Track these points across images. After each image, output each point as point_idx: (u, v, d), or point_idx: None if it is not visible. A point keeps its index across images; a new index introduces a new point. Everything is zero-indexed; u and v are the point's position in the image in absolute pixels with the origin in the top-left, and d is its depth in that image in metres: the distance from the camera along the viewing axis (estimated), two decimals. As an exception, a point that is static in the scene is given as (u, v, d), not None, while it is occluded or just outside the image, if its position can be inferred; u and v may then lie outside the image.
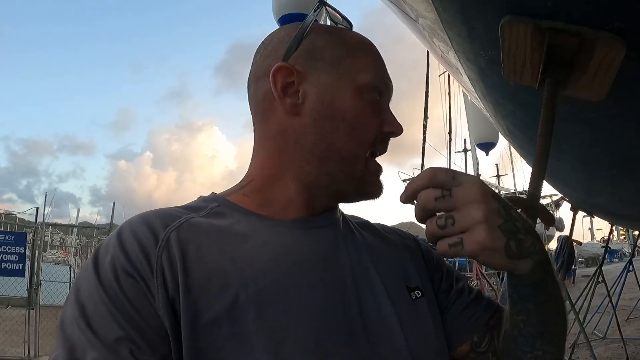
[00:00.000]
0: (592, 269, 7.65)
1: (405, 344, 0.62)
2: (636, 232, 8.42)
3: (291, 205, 0.67)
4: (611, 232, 6.71)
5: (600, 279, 6.14)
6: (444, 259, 0.80)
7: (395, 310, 0.64)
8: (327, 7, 0.75)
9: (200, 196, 0.70)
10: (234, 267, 0.58)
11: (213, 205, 0.66)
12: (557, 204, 22.30)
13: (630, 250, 11.01)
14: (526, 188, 1.23)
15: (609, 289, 6.50)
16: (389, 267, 0.69)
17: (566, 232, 4.95)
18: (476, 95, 2.14)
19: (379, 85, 0.69)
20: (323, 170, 0.66)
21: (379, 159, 0.71)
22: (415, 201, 0.56)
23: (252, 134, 0.73)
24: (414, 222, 0.64)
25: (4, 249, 6.41)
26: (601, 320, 6.99)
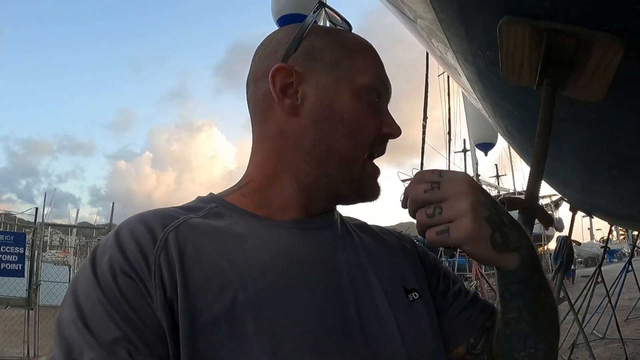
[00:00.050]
0: (592, 269, 7.65)
1: (403, 345, 0.63)
2: (635, 232, 8.42)
3: (289, 206, 0.67)
4: (610, 232, 6.71)
5: (599, 279, 6.14)
6: (442, 260, 0.81)
7: (392, 311, 0.64)
8: (326, 9, 0.75)
9: (198, 196, 0.70)
10: (232, 268, 0.58)
11: (211, 206, 0.66)
12: (557, 204, 22.32)
13: (629, 251, 11.01)
14: (525, 188, 1.24)
15: (608, 289, 6.50)
16: (386, 268, 0.69)
17: (565, 232, 4.95)
18: (475, 96, 2.14)
19: (378, 87, 0.69)
20: (321, 172, 0.66)
21: (378, 161, 0.71)
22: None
23: (252, 134, 0.73)
24: (413, 223, 0.65)
25: (4, 249, 6.41)
26: (600, 320, 7.00)
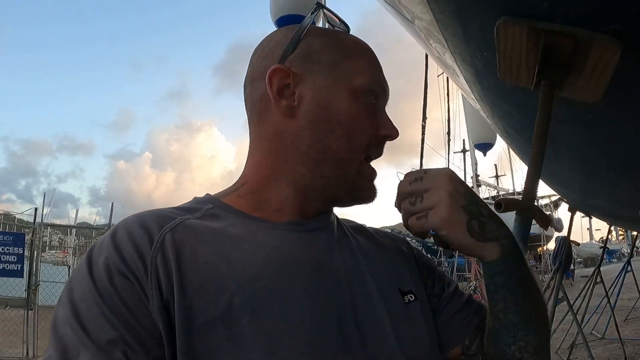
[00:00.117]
0: (591, 269, 7.65)
1: (399, 347, 0.63)
2: (635, 233, 8.43)
3: (285, 207, 0.67)
4: (609, 232, 6.72)
5: (598, 279, 6.15)
6: (442, 260, 0.82)
7: (389, 313, 0.65)
8: (324, 10, 0.75)
9: (195, 197, 0.70)
10: (229, 270, 0.58)
11: (207, 207, 0.66)
12: (556, 205, 22.33)
13: (628, 251, 11.02)
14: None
15: (607, 289, 6.50)
16: (382, 271, 0.70)
17: (565, 232, 4.96)
18: (473, 97, 2.14)
19: (375, 89, 0.69)
20: (317, 173, 0.66)
21: (377, 161, 0.71)
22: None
23: (249, 135, 0.73)
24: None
25: (3, 249, 6.40)
26: (599, 320, 6.99)
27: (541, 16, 1.03)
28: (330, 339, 0.58)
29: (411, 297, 0.69)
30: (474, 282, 10.49)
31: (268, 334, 0.55)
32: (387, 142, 0.71)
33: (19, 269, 6.54)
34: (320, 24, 0.83)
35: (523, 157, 2.79)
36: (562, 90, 1.16)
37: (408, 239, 0.88)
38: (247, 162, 0.72)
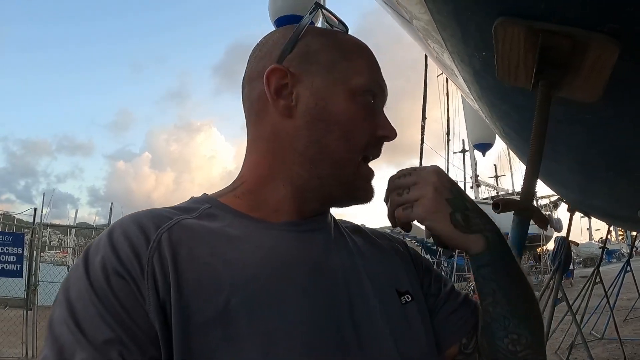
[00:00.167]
0: (590, 270, 7.65)
1: (395, 347, 0.63)
2: (634, 233, 8.43)
3: (282, 207, 0.67)
4: (609, 232, 6.72)
5: (597, 280, 6.15)
6: (442, 260, 0.83)
7: (385, 314, 0.65)
8: (323, 10, 0.75)
9: (192, 197, 0.70)
10: (226, 270, 0.57)
11: (205, 207, 0.65)
12: (556, 205, 22.33)
13: (628, 251, 11.02)
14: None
15: (606, 289, 6.50)
16: (379, 271, 0.70)
17: (564, 232, 4.96)
18: (472, 97, 2.14)
19: (373, 89, 0.68)
20: (314, 173, 0.66)
21: (376, 162, 0.71)
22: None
23: (247, 135, 0.73)
24: (411, 223, 0.68)
25: (2, 249, 6.40)
26: (599, 320, 6.99)
27: (539, 16, 1.03)
28: (327, 339, 0.58)
29: (408, 298, 0.69)
30: (474, 282, 10.49)
31: (265, 334, 0.55)
32: (385, 142, 0.71)
33: (18, 269, 6.53)
34: (319, 24, 0.83)
35: (522, 158, 2.79)
36: (560, 90, 1.16)
37: (408, 239, 0.89)
38: (244, 162, 0.72)
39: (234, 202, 0.67)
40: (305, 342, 0.56)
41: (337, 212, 0.76)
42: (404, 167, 0.71)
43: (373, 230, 0.80)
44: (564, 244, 4.60)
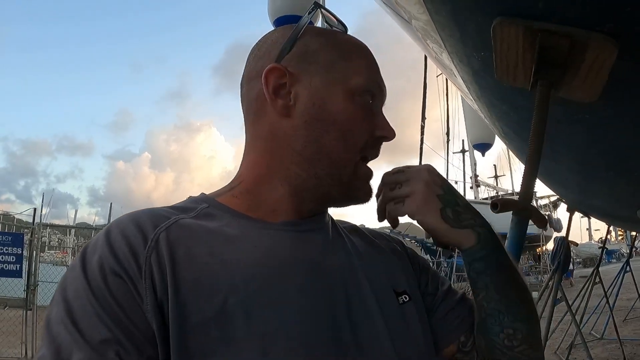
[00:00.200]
0: (590, 270, 7.65)
1: (393, 348, 0.63)
2: (634, 233, 8.44)
3: (280, 207, 0.67)
4: (608, 232, 6.73)
5: (597, 280, 6.15)
6: (441, 260, 0.84)
7: (383, 314, 0.64)
8: (322, 10, 0.74)
9: (190, 196, 0.70)
10: (223, 270, 0.57)
11: (202, 207, 0.65)
12: (555, 205, 22.33)
13: (627, 251, 11.03)
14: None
15: (606, 289, 6.50)
16: (377, 271, 0.69)
17: (564, 232, 4.96)
18: (471, 97, 2.14)
19: (372, 89, 0.68)
20: (312, 173, 0.66)
21: (376, 162, 0.71)
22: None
23: (245, 134, 0.73)
24: (411, 223, 0.69)
25: (2, 249, 6.41)
26: (598, 320, 7.00)
27: (537, 16, 1.03)
28: (325, 339, 0.58)
29: (405, 298, 0.69)
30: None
31: (262, 334, 0.55)
32: (384, 142, 0.71)
33: (17, 269, 6.54)
34: (318, 24, 0.83)
35: (522, 158, 2.78)
36: (558, 90, 1.15)
37: (407, 239, 0.90)
38: (242, 161, 0.72)
39: (232, 202, 0.67)
40: (303, 342, 0.56)
41: (337, 212, 0.76)
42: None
43: (371, 231, 0.80)
44: (564, 244, 4.60)
